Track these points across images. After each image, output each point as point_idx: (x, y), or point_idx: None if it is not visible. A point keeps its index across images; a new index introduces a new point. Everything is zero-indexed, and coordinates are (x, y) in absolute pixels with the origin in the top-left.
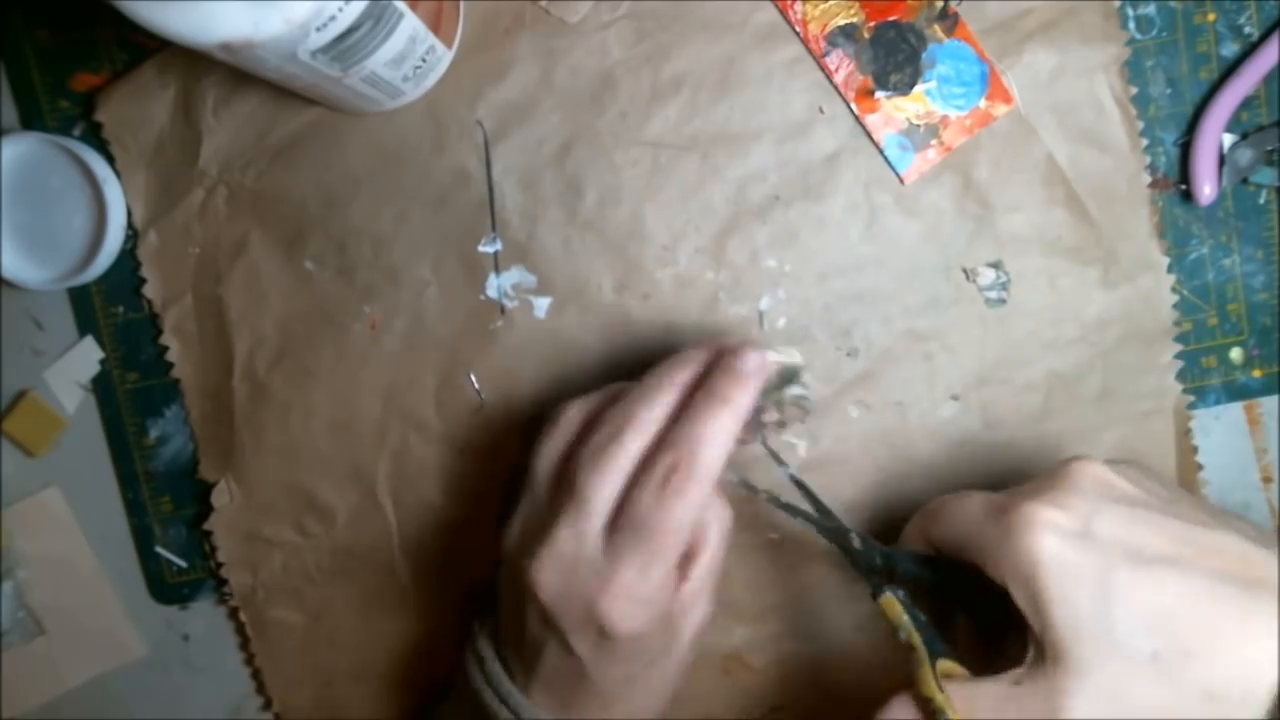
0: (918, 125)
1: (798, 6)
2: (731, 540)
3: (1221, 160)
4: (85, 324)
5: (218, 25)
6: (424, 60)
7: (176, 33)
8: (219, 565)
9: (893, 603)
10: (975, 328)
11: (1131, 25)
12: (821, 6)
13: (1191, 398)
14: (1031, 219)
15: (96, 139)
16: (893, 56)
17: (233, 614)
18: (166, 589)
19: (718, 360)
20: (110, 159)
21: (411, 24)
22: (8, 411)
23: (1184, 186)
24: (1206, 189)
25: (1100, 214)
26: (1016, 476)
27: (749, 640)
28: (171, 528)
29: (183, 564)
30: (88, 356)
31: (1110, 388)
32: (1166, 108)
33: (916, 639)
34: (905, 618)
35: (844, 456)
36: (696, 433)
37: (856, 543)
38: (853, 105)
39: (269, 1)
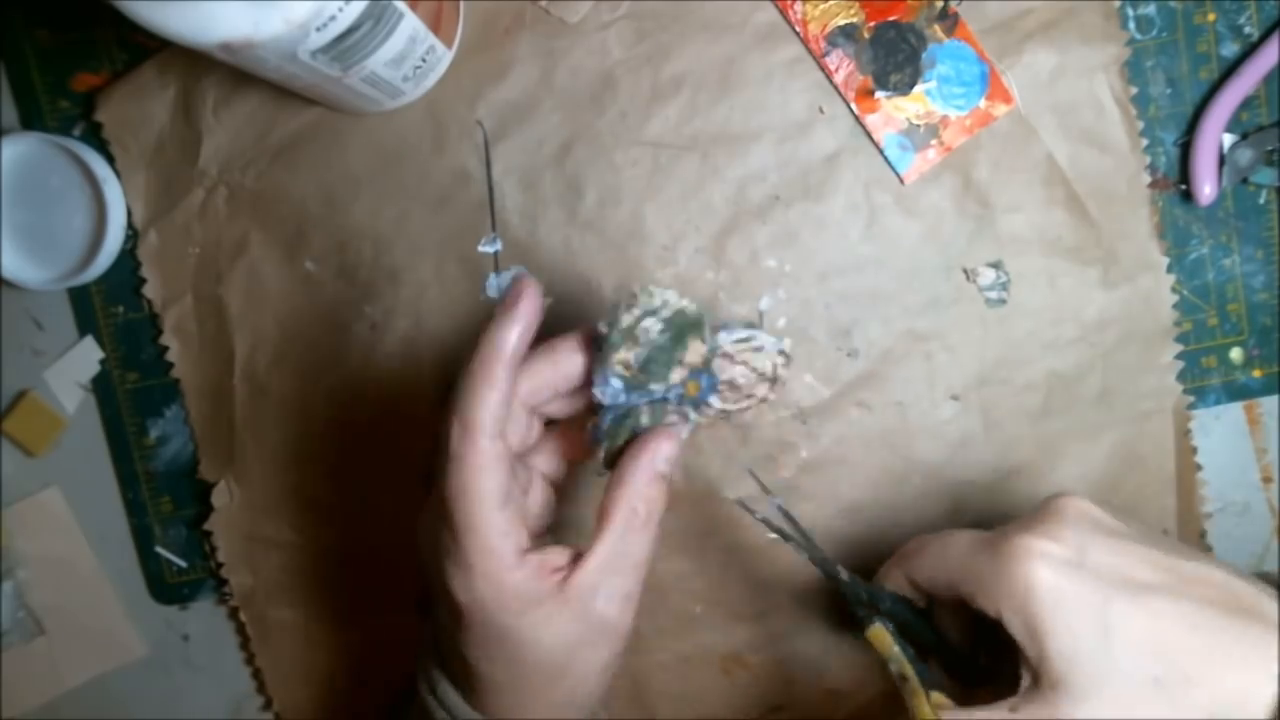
0: (918, 125)
1: (798, 6)
2: (653, 535)
3: (1221, 160)
4: (85, 324)
5: (218, 25)
6: (424, 60)
7: (176, 33)
8: (219, 565)
9: (882, 634)
10: (975, 328)
11: (1131, 25)
12: (821, 6)
13: (1191, 398)
14: (1031, 219)
15: (96, 139)
16: (893, 56)
17: (233, 614)
18: (166, 589)
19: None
20: (110, 159)
21: (411, 24)
22: (8, 411)
23: (1184, 186)
24: (1206, 189)
25: (1100, 214)
26: (1016, 476)
27: (749, 640)
28: (171, 528)
29: (183, 564)
30: (88, 356)
31: (1110, 388)
32: (1166, 108)
33: (909, 669)
34: (895, 649)
35: (844, 457)
36: (457, 389)
37: (844, 575)
38: (853, 105)
39: (269, 1)
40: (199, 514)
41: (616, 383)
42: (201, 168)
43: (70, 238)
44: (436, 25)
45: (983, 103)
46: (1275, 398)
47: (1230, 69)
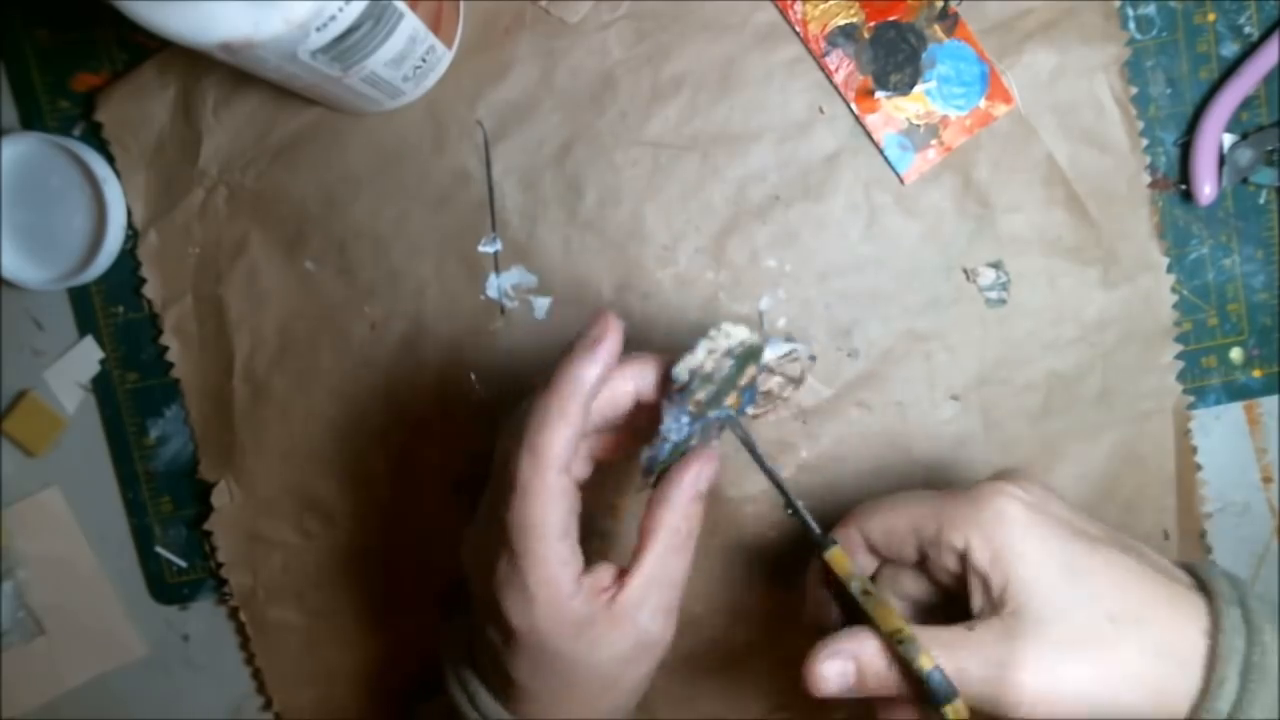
0: (918, 125)
1: (798, 6)
2: (691, 551)
3: (1221, 160)
4: (85, 324)
5: (218, 25)
6: (424, 60)
7: (176, 33)
8: (219, 565)
9: (842, 555)
10: (975, 328)
11: (1131, 25)
12: (821, 6)
13: (1191, 398)
14: (1031, 219)
15: (96, 139)
16: (893, 56)
17: (233, 614)
18: (166, 589)
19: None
20: (110, 159)
21: (411, 24)
22: (8, 411)
23: (1184, 186)
24: (1206, 189)
25: (1100, 214)
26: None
27: (749, 640)
28: (171, 528)
29: (183, 564)
30: (88, 356)
31: (1110, 388)
32: (1166, 108)
33: (870, 585)
34: (856, 569)
35: (844, 456)
36: (525, 419)
37: (810, 519)
38: (853, 105)
39: (269, 1)
40: (199, 514)
41: (685, 419)
42: (201, 168)
43: (70, 238)
44: (436, 25)
45: (983, 103)
46: (1275, 398)
47: (1230, 69)
